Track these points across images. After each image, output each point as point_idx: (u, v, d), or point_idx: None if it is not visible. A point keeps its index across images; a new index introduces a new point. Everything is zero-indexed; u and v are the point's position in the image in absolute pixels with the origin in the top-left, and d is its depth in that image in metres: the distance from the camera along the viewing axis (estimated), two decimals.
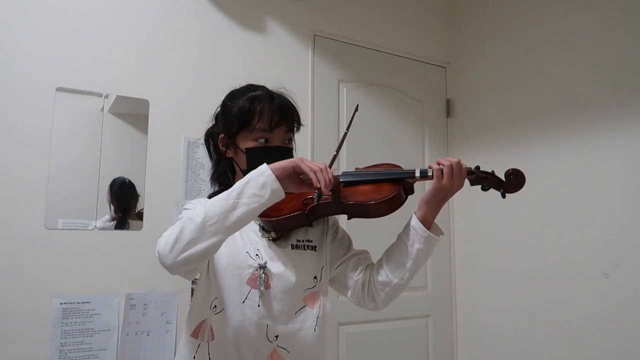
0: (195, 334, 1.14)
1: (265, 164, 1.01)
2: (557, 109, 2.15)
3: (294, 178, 1.03)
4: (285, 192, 1.02)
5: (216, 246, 1.00)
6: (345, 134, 1.25)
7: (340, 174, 1.21)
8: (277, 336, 1.13)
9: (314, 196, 1.07)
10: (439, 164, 1.13)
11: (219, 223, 0.97)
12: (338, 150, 1.21)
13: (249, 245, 1.18)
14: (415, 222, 1.15)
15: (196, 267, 1.02)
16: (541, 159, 2.18)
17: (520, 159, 2.25)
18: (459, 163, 1.12)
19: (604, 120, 1.96)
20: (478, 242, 2.51)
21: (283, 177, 1.01)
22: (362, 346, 2.32)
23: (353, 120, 1.27)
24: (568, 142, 2.10)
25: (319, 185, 0.99)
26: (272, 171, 0.99)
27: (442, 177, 1.11)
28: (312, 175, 1.00)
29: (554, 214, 2.12)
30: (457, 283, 2.62)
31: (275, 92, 1.24)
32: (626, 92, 1.90)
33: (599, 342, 1.91)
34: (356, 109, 1.28)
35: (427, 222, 1.15)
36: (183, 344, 1.17)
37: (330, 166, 1.14)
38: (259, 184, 0.98)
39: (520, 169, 1.18)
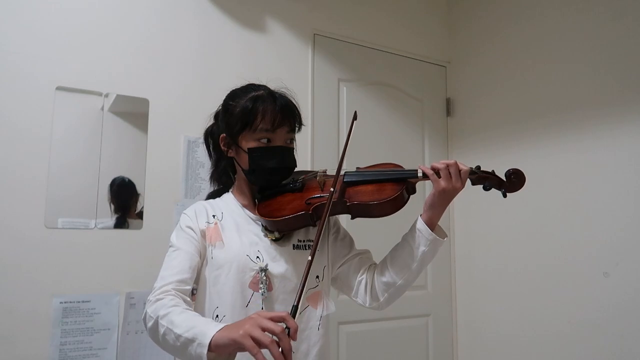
0: None
1: (212, 333, 0.90)
2: (557, 108, 2.15)
3: (242, 350, 0.88)
4: None
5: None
6: (346, 146, 1.21)
7: (343, 173, 1.21)
8: None
9: None
10: (433, 169, 1.13)
11: (172, 352, 1.01)
12: (338, 171, 1.18)
13: (249, 247, 1.18)
14: (421, 225, 1.16)
15: None
16: (541, 158, 2.18)
17: (520, 158, 2.25)
18: (455, 164, 1.13)
19: (603, 120, 1.97)
20: (478, 241, 2.51)
21: (225, 352, 0.91)
22: (362, 345, 2.33)
23: (353, 129, 1.24)
24: (568, 142, 2.10)
25: None
26: (214, 344, 0.89)
27: (440, 180, 1.12)
28: (259, 357, 0.83)
29: (554, 213, 2.12)
30: (457, 282, 2.62)
31: (277, 92, 1.23)
32: (626, 91, 1.90)
33: (599, 341, 1.91)
34: (354, 117, 1.25)
35: (432, 224, 1.16)
36: None
37: (334, 185, 1.12)
38: (197, 353, 0.91)
39: (521, 169, 1.19)
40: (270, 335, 0.85)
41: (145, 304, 1.10)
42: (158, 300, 1.06)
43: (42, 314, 1.68)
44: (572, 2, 2.13)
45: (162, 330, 1.00)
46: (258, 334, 0.84)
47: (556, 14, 2.19)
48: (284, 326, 0.86)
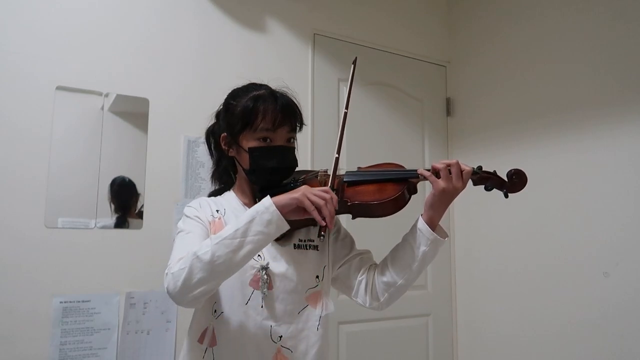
0: (202, 339, 1.14)
1: (269, 199, 1.03)
2: (557, 107, 2.15)
3: (298, 212, 1.04)
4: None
5: (224, 280, 1.05)
6: (349, 94, 1.22)
7: (343, 173, 1.21)
8: (280, 336, 1.13)
9: (319, 231, 1.04)
10: (434, 169, 1.13)
11: (227, 262, 0.99)
12: (339, 149, 1.19)
13: None
14: (422, 225, 1.15)
15: (205, 299, 1.06)
16: (541, 158, 2.18)
17: (521, 158, 2.25)
18: (456, 164, 1.12)
19: (604, 120, 1.97)
20: (478, 241, 2.51)
21: (286, 213, 1.02)
22: (362, 345, 2.33)
23: (354, 75, 1.24)
24: (568, 141, 2.10)
25: (324, 224, 1.02)
26: (276, 207, 1.01)
27: (439, 181, 1.12)
28: (315, 214, 1.01)
29: (554, 213, 2.12)
30: (457, 282, 2.62)
31: (278, 91, 1.23)
32: (626, 91, 1.90)
33: (599, 341, 1.91)
34: (354, 62, 1.25)
35: (433, 224, 1.15)
36: (189, 350, 1.17)
37: (335, 167, 1.14)
38: (264, 221, 1.01)
39: (522, 169, 1.18)
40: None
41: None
42: (181, 258, 1.03)
43: (42, 314, 1.68)
44: (572, 2, 2.13)
45: (207, 257, 0.98)
46: (313, 197, 1.02)
47: (556, 14, 2.20)
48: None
